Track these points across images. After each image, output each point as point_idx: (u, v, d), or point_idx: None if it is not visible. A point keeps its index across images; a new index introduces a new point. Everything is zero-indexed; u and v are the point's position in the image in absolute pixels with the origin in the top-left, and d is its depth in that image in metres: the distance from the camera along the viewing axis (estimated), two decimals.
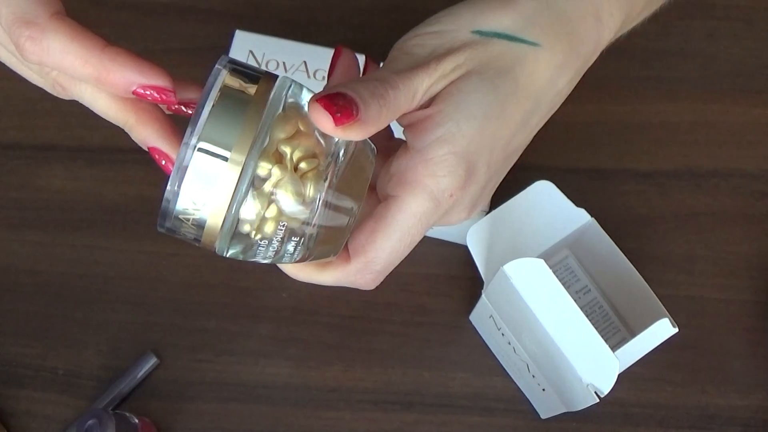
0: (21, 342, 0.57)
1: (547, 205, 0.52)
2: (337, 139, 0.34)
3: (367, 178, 0.36)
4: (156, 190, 0.60)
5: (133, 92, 0.34)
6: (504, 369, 0.57)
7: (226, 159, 0.32)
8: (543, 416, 0.56)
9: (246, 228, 0.33)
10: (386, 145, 0.41)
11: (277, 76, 0.34)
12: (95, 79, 0.34)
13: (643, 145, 0.62)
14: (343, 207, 0.35)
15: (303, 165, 0.33)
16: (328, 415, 0.56)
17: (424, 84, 0.36)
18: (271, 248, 0.34)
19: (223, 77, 0.33)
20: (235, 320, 0.58)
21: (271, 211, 0.33)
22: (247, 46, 0.58)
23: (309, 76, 0.58)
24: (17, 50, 0.34)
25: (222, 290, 0.59)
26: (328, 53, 0.58)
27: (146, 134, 0.36)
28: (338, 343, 0.58)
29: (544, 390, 0.52)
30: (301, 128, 0.33)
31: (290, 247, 0.34)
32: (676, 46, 0.64)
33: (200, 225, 0.33)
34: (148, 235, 0.59)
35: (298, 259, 0.35)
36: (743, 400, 0.57)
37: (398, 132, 0.42)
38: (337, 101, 0.33)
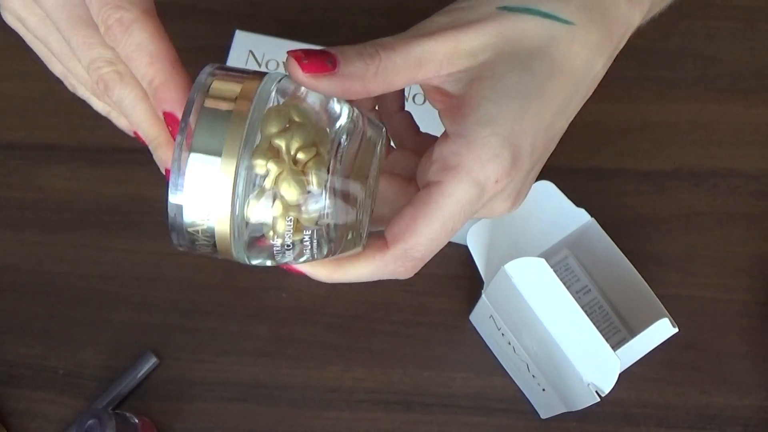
0: (21, 342, 0.57)
1: (547, 205, 0.52)
2: (337, 126, 0.33)
3: (377, 159, 0.35)
4: (156, 190, 0.61)
5: (165, 113, 0.34)
6: (504, 369, 0.57)
7: (218, 164, 0.31)
8: (543, 416, 0.56)
9: (260, 231, 0.32)
10: (414, 140, 0.40)
11: (265, 74, 0.33)
12: (149, 82, 0.35)
13: (643, 145, 0.62)
14: (354, 191, 0.34)
15: (301, 155, 0.32)
16: (328, 415, 0.56)
17: (435, 51, 0.35)
18: (289, 248, 0.33)
19: (207, 83, 0.32)
20: (235, 320, 0.58)
21: (277, 208, 0.32)
22: (247, 46, 0.58)
23: None
24: (103, 30, 0.35)
25: (222, 290, 0.59)
26: None
27: (169, 157, 0.36)
28: (338, 343, 0.58)
29: (544, 390, 0.52)
30: (296, 119, 0.32)
31: (308, 242, 0.33)
32: (676, 46, 0.64)
33: (211, 235, 0.32)
34: (148, 235, 0.59)
35: (324, 255, 0.34)
36: (743, 400, 0.57)
37: (424, 126, 0.41)
38: (310, 53, 0.33)
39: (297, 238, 0.33)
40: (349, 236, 0.34)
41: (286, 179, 0.32)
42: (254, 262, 0.34)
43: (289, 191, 0.32)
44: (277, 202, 0.32)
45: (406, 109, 0.42)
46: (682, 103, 0.63)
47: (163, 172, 0.36)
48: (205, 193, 0.31)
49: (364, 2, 0.65)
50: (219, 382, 0.57)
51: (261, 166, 0.32)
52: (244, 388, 0.57)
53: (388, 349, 0.58)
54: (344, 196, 0.33)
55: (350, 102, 0.35)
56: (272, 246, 0.33)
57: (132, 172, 0.61)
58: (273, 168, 0.32)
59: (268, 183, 0.32)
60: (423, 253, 0.36)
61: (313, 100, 0.34)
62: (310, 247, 0.33)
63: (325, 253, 0.34)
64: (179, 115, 0.34)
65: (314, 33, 0.63)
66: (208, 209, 0.32)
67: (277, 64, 0.59)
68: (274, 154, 0.32)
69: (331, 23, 0.64)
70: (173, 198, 0.32)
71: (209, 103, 0.32)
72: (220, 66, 0.33)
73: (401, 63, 0.35)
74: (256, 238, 0.33)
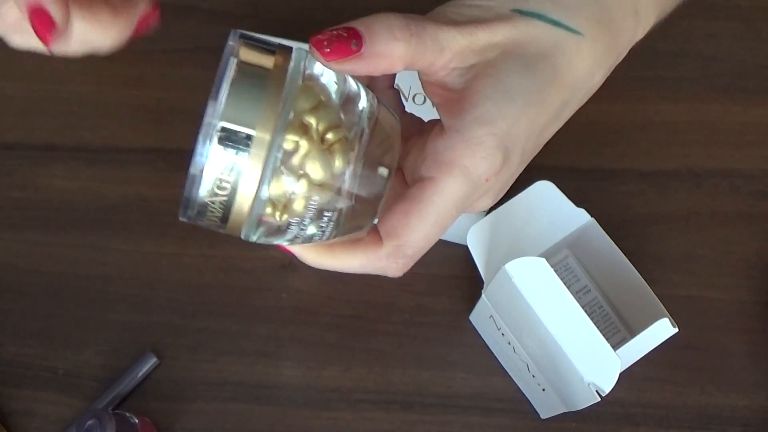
0: (21, 342, 0.57)
1: (547, 205, 0.52)
2: (360, 108, 0.33)
3: (394, 147, 0.35)
4: (156, 190, 0.61)
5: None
6: (504, 369, 0.57)
7: (251, 137, 0.30)
8: (543, 416, 0.56)
9: (271, 209, 0.32)
10: (401, 119, 0.40)
11: (291, 48, 0.33)
12: None
13: (643, 145, 0.62)
14: (373, 177, 0.33)
15: (330, 136, 0.31)
16: (328, 415, 0.56)
17: (455, 42, 0.35)
18: (301, 228, 0.32)
19: (238, 52, 0.31)
20: (235, 320, 0.58)
21: (302, 187, 0.31)
22: None
23: None
24: None
25: (222, 290, 0.59)
26: None
27: None
28: (338, 343, 0.58)
29: (544, 390, 0.52)
30: (322, 99, 0.32)
31: (323, 224, 0.32)
32: (676, 46, 0.64)
33: (227, 209, 0.31)
34: (148, 235, 0.59)
35: (327, 237, 0.33)
36: (743, 400, 0.57)
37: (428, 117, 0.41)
38: (332, 39, 0.33)
39: (313, 219, 0.32)
40: (359, 221, 0.34)
41: (314, 158, 0.31)
42: (256, 239, 0.33)
43: (316, 170, 0.31)
44: (303, 180, 0.31)
45: (395, 87, 0.41)
46: (682, 103, 0.63)
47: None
48: (232, 165, 0.31)
49: (364, 2, 0.65)
50: (219, 382, 0.57)
51: (291, 142, 0.31)
52: (244, 388, 0.57)
53: (388, 349, 0.58)
54: (364, 180, 0.33)
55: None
56: (286, 225, 0.32)
57: (132, 172, 0.61)
58: (304, 144, 0.31)
59: (296, 159, 0.31)
60: (415, 251, 0.36)
61: (331, 78, 0.33)
62: (323, 230, 0.33)
63: (333, 235, 0.33)
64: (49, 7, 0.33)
65: (314, 33, 0.63)
66: (232, 182, 0.31)
67: None
68: (304, 131, 0.31)
69: (331, 23, 0.64)
70: (196, 165, 0.31)
71: (242, 74, 0.31)
72: (245, 34, 0.33)
73: (430, 45, 0.34)
74: (269, 215, 0.32)
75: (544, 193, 0.52)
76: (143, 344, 0.57)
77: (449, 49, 0.35)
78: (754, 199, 0.61)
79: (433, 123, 0.38)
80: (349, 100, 0.33)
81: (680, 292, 0.59)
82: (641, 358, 0.48)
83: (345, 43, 0.33)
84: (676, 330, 0.48)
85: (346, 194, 0.32)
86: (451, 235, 0.58)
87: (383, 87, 0.41)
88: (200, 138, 0.30)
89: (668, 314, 0.49)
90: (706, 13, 0.65)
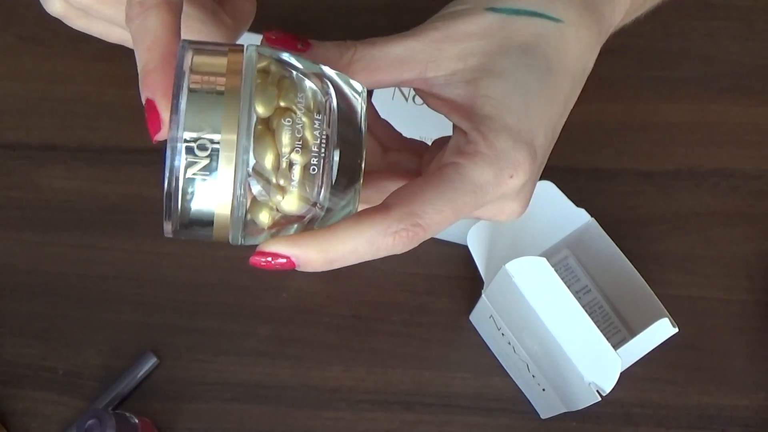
0: (21, 342, 0.57)
1: (547, 205, 0.52)
2: (322, 91, 0.33)
3: (363, 115, 0.34)
4: (156, 190, 0.60)
5: (147, 100, 0.34)
6: (504, 369, 0.57)
7: (216, 141, 0.30)
8: (543, 416, 0.56)
9: (255, 205, 0.31)
10: (403, 144, 0.40)
11: (242, 45, 0.33)
12: (143, 66, 0.34)
13: (643, 145, 0.62)
14: (349, 133, 0.33)
15: (293, 107, 0.32)
16: (328, 415, 0.56)
17: (419, 52, 0.35)
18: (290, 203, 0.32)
19: (191, 61, 0.31)
20: (235, 320, 0.58)
21: (282, 150, 0.31)
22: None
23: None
24: (126, 6, 0.34)
25: (222, 290, 0.59)
26: None
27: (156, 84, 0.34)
28: (338, 343, 0.58)
29: (544, 390, 0.52)
30: (284, 80, 0.32)
31: (312, 195, 0.32)
32: (676, 46, 0.64)
33: (208, 218, 0.31)
34: (148, 235, 0.59)
35: (321, 212, 0.32)
36: (743, 400, 0.57)
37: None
38: (281, 33, 0.34)
39: (301, 182, 0.32)
40: (349, 177, 0.33)
41: (282, 127, 0.31)
42: (246, 240, 0.33)
43: (286, 138, 0.31)
44: (276, 148, 0.31)
45: (384, 118, 0.41)
46: (682, 103, 0.63)
47: (144, 101, 0.34)
48: (205, 173, 0.30)
49: (364, 2, 0.65)
50: (219, 382, 0.57)
51: (261, 121, 0.31)
52: (244, 388, 0.57)
53: (388, 349, 0.58)
54: (342, 132, 0.32)
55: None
56: (274, 212, 0.32)
57: (132, 172, 0.61)
58: (274, 121, 0.31)
59: (265, 133, 0.31)
60: (428, 223, 0.33)
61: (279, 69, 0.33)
62: (314, 197, 0.32)
63: (323, 214, 0.33)
64: (158, 105, 0.33)
65: (314, 33, 0.63)
66: (208, 189, 0.31)
67: None
68: (266, 127, 0.31)
69: (331, 23, 0.64)
70: (170, 181, 0.30)
71: (196, 82, 0.31)
72: (193, 41, 0.32)
73: (381, 57, 0.35)
74: (255, 208, 0.32)
75: (544, 193, 0.52)
76: (143, 344, 0.57)
77: (412, 59, 0.35)
78: (754, 199, 0.61)
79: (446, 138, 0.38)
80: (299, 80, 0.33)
81: (680, 292, 0.59)
82: (641, 358, 0.48)
83: (292, 40, 0.34)
84: (676, 330, 0.48)
85: (324, 150, 0.31)
86: (451, 235, 0.58)
87: (370, 120, 0.40)
88: (168, 153, 0.30)
89: (668, 314, 0.49)
90: (706, 13, 0.65)
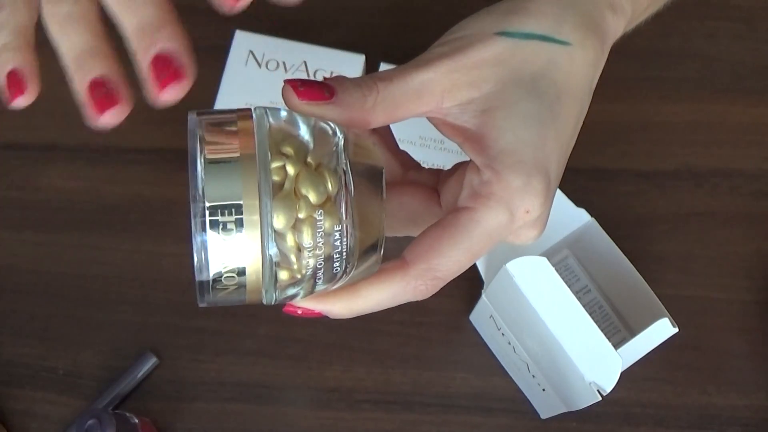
0: (21, 342, 0.57)
1: None
2: (337, 139, 0.34)
3: (379, 161, 0.35)
4: (156, 190, 0.61)
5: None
6: (504, 369, 0.57)
7: (240, 206, 0.31)
8: (543, 416, 0.56)
9: (284, 264, 0.32)
10: (420, 173, 0.40)
11: (250, 109, 0.33)
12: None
13: (643, 145, 0.62)
14: (367, 191, 0.33)
15: (310, 159, 0.32)
16: (328, 415, 0.56)
17: (430, 81, 0.35)
18: (317, 267, 0.33)
19: (203, 132, 0.32)
20: (235, 320, 0.58)
21: (303, 211, 0.31)
22: (247, 46, 0.58)
23: (309, 76, 0.58)
24: None
25: None
26: (328, 53, 0.58)
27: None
28: (338, 343, 0.58)
29: (544, 390, 0.52)
30: (295, 139, 0.32)
31: (336, 254, 0.33)
32: (676, 46, 0.64)
33: (240, 282, 0.32)
34: (148, 235, 0.59)
35: (345, 271, 0.34)
36: (743, 400, 0.57)
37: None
38: (306, 82, 0.33)
39: (323, 248, 0.32)
40: (369, 240, 0.34)
41: (307, 180, 0.31)
42: (279, 298, 0.34)
43: (311, 193, 0.31)
44: (301, 203, 0.31)
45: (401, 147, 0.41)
46: (682, 103, 0.63)
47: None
48: (231, 240, 0.31)
49: (364, 2, 0.65)
50: (219, 382, 0.57)
51: (278, 170, 0.31)
52: (244, 388, 0.57)
53: (388, 349, 0.58)
54: (360, 195, 0.33)
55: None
56: (302, 271, 0.32)
57: (132, 172, 0.61)
58: (290, 171, 0.31)
59: (287, 184, 0.31)
60: (445, 274, 0.35)
61: (297, 121, 0.34)
62: (339, 256, 0.33)
63: (349, 268, 0.33)
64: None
65: (314, 33, 0.63)
66: (238, 254, 0.31)
67: (277, 64, 0.59)
68: (286, 161, 0.32)
69: (331, 23, 0.64)
70: (198, 253, 0.31)
71: (211, 152, 0.31)
72: (203, 112, 0.33)
73: (400, 95, 0.35)
74: (283, 270, 0.32)
75: None
76: (143, 344, 0.57)
77: (429, 91, 0.35)
78: (754, 199, 0.61)
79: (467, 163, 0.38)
80: (322, 132, 0.33)
81: (680, 292, 0.59)
82: (641, 358, 0.48)
83: (318, 88, 0.33)
84: (676, 330, 0.48)
85: (346, 213, 0.32)
86: None
87: (390, 150, 0.41)
88: (193, 226, 0.31)
89: (668, 314, 0.49)
90: (706, 13, 0.65)
